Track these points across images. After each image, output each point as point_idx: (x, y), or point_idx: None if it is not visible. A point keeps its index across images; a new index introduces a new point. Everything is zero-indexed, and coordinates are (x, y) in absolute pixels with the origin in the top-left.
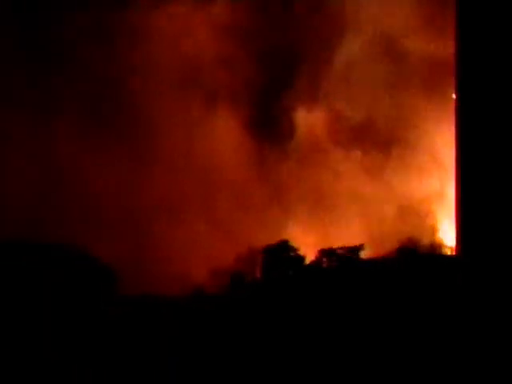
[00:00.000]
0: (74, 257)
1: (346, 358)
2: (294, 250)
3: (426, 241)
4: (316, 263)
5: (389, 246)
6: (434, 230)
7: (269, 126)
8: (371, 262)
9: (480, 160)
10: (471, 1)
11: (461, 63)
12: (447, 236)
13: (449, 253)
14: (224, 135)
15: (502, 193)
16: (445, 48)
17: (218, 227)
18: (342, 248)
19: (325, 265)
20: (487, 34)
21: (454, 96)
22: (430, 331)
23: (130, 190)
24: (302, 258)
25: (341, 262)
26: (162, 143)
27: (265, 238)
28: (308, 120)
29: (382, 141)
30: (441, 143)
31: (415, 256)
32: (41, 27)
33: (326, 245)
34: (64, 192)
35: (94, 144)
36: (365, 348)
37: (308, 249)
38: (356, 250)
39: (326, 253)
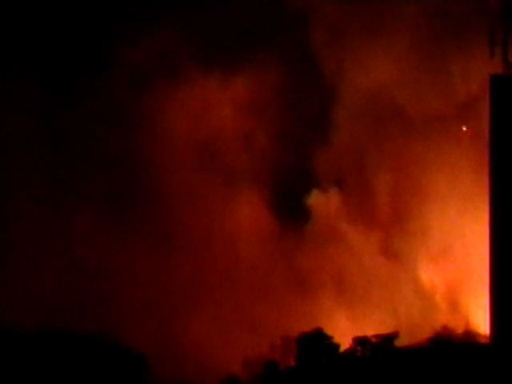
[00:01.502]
0: (107, 346)
1: None
2: (329, 338)
3: (459, 329)
4: (351, 352)
5: (418, 333)
6: (465, 318)
7: (288, 208)
8: (406, 351)
9: None
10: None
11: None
12: (479, 324)
13: (483, 341)
14: (243, 217)
15: None
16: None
17: (243, 314)
18: (376, 336)
19: (359, 353)
20: None
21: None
22: None
23: (154, 277)
24: (336, 347)
25: (375, 351)
26: (183, 227)
27: (291, 325)
28: (325, 201)
29: (401, 220)
30: (467, 220)
31: (450, 345)
32: (62, 117)
33: (354, 332)
34: (88, 284)
35: (116, 234)
36: None
37: (335, 335)
38: (390, 338)
39: (360, 341)
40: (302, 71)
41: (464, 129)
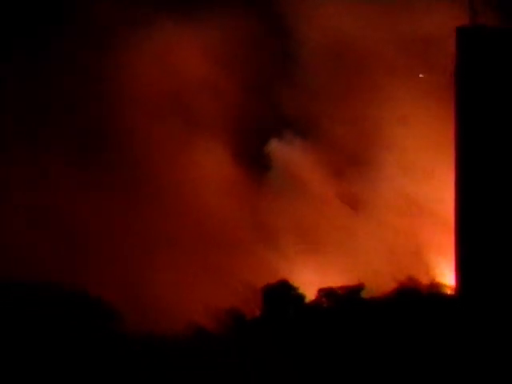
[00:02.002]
0: (75, 295)
1: None
2: (295, 289)
3: (424, 280)
4: (316, 303)
5: (383, 284)
6: (430, 269)
7: (251, 157)
8: (372, 303)
9: (481, 195)
10: None
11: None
12: (445, 275)
13: (449, 292)
14: (208, 166)
15: (504, 231)
16: None
17: (208, 264)
18: (341, 288)
19: (325, 305)
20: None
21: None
22: (433, 371)
23: (119, 226)
24: (302, 297)
25: (341, 303)
26: (148, 176)
27: (256, 274)
28: (287, 150)
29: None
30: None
31: (417, 296)
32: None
33: (318, 282)
34: (53, 233)
35: (81, 184)
36: None
37: (300, 285)
38: (357, 290)
39: (326, 293)
40: (270, 20)
41: (421, 75)
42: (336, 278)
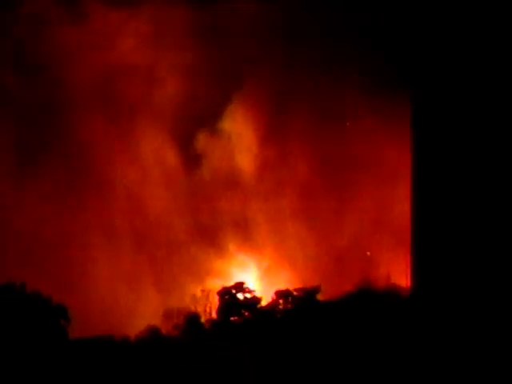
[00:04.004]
0: (26, 296)
1: None
2: (251, 291)
3: (379, 283)
4: (272, 305)
5: (337, 287)
6: (385, 272)
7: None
8: (329, 304)
9: (435, 197)
10: None
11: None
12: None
13: (404, 294)
14: (146, 154)
15: (457, 232)
16: None
17: (155, 269)
18: (298, 290)
19: (281, 306)
20: None
21: None
22: (392, 371)
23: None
24: (258, 300)
25: (297, 304)
26: (86, 166)
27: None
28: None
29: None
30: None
31: (374, 297)
32: None
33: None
34: None
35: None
36: None
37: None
38: (313, 291)
39: (282, 294)
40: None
41: None
42: (285, 283)
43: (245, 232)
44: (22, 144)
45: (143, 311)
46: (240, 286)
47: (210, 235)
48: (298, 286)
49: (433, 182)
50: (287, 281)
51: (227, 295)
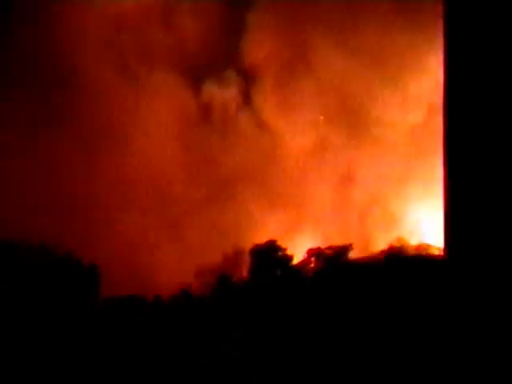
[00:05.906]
0: (57, 256)
1: (336, 361)
2: (282, 249)
3: (412, 241)
4: (304, 264)
5: (370, 245)
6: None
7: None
8: (360, 264)
9: (469, 158)
10: None
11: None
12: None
13: (437, 253)
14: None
15: (493, 191)
16: None
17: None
18: (329, 248)
19: (313, 265)
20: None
21: None
22: (424, 332)
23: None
24: (290, 258)
25: (329, 263)
26: (103, 120)
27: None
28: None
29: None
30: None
31: (404, 257)
32: None
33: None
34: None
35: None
36: (354, 352)
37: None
38: (344, 250)
39: (314, 253)
40: None
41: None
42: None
43: (263, 186)
44: (35, 104)
45: (171, 270)
46: (272, 245)
47: (230, 191)
48: (322, 244)
49: (466, 136)
50: (311, 239)
51: (259, 254)
